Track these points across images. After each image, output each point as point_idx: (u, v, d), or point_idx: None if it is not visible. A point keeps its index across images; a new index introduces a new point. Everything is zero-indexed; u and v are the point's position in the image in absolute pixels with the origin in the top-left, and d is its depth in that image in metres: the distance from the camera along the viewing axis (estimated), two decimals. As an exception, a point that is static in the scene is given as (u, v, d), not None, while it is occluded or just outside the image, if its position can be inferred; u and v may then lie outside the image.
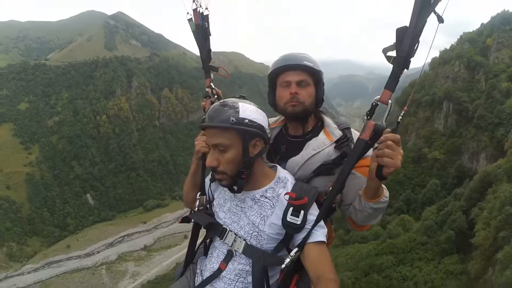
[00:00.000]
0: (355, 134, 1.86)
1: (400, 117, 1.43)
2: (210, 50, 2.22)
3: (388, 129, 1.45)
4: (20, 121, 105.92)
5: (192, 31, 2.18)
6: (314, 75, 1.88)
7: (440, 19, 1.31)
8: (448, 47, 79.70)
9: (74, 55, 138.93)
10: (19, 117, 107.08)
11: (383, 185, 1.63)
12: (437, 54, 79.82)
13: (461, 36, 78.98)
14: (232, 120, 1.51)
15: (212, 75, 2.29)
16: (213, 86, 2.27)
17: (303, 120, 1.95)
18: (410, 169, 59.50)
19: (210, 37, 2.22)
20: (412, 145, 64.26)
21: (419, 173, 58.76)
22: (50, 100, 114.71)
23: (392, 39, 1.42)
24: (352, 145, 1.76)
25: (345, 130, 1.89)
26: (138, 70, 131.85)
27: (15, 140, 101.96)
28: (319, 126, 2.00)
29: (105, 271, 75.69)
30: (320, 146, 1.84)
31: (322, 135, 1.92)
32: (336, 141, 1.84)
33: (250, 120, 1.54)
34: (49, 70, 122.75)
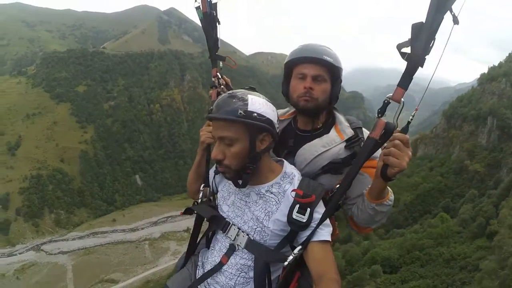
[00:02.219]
0: (366, 134, 1.82)
1: (411, 117, 1.41)
2: (217, 39, 2.28)
3: (398, 129, 1.46)
4: (77, 102, 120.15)
5: (200, 19, 2.24)
6: (332, 71, 1.88)
7: (456, 20, 1.29)
8: (498, 64, 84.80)
9: (129, 45, 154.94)
10: (77, 98, 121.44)
11: (389, 188, 1.64)
12: (485, 70, 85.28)
13: (509, 54, 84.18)
14: (240, 113, 1.50)
15: (221, 64, 2.35)
16: (220, 76, 2.33)
17: (314, 115, 1.98)
18: (451, 179, 64.91)
19: (218, 25, 2.27)
20: (455, 157, 69.50)
21: (459, 184, 63.62)
22: (107, 86, 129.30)
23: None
24: None
25: (357, 129, 1.91)
26: (191, 64, 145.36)
27: (71, 118, 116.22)
28: (330, 122, 2.02)
29: (148, 246, 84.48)
30: (331, 144, 1.87)
31: (333, 132, 1.94)
32: (347, 140, 1.87)
33: (259, 114, 1.53)
34: (106, 58, 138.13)
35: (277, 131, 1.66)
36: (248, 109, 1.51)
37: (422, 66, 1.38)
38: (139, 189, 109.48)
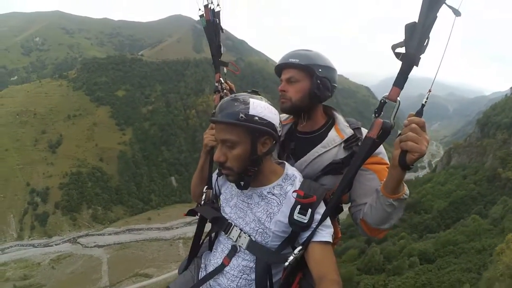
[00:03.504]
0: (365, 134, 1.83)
1: (425, 100, 1.37)
2: (220, 45, 2.36)
3: (411, 113, 1.41)
4: (117, 106, 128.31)
5: (203, 27, 2.32)
6: (304, 70, 1.96)
7: (457, 13, 1.27)
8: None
9: (165, 53, 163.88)
10: (116, 102, 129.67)
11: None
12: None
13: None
14: (242, 117, 1.53)
15: (225, 70, 2.43)
16: (223, 81, 2.39)
17: (297, 114, 2.11)
18: (484, 186, 66.12)
19: (221, 32, 2.36)
20: (488, 165, 70.41)
21: (492, 191, 64.52)
22: (145, 91, 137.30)
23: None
24: None
25: (356, 130, 1.97)
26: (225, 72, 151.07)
27: (111, 121, 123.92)
28: (330, 124, 2.08)
29: (182, 244, 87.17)
30: (330, 144, 1.93)
31: (333, 132, 2.00)
32: (346, 140, 1.93)
33: (260, 118, 1.56)
34: (144, 65, 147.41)
35: (279, 134, 1.69)
36: (250, 113, 1.54)
37: (417, 66, 1.39)
38: (174, 191, 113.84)
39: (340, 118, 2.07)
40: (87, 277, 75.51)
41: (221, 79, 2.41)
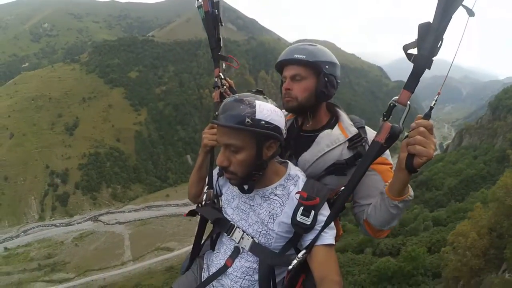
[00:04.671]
0: (370, 133, 1.89)
1: (434, 102, 1.34)
2: (219, 38, 2.20)
3: (419, 115, 1.39)
4: (130, 87, 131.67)
5: (202, 19, 2.16)
6: (311, 67, 1.87)
7: (471, 13, 1.24)
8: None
9: (174, 34, 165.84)
10: (130, 83, 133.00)
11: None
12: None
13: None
14: (248, 122, 1.43)
15: (224, 65, 2.29)
16: (222, 76, 2.27)
17: (303, 114, 2.01)
18: (493, 166, 67.64)
19: (221, 25, 2.20)
20: (498, 146, 72.18)
21: (501, 171, 65.08)
22: (158, 72, 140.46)
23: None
24: (367, 146, 1.80)
25: (360, 129, 1.90)
26: (237, 51, 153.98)
27: (125, 102, 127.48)
28: (333, 122, 2.01)
29: None
30: (334, 143, 1.86)
31: (336, 129, 1.93)
32: (350, 140, 1.86)
33: (266, 122, 1.48)
34: (156, 46, 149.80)
35: (285, 137, 1.63)
36: (256, 117, 1.46)
37: (429, 68, 1.34)
38: (190, 168, 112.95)
39: (343, 115, 2.02)
40: (111, 252, 79.76)
41: (220, 74, 2.28)
